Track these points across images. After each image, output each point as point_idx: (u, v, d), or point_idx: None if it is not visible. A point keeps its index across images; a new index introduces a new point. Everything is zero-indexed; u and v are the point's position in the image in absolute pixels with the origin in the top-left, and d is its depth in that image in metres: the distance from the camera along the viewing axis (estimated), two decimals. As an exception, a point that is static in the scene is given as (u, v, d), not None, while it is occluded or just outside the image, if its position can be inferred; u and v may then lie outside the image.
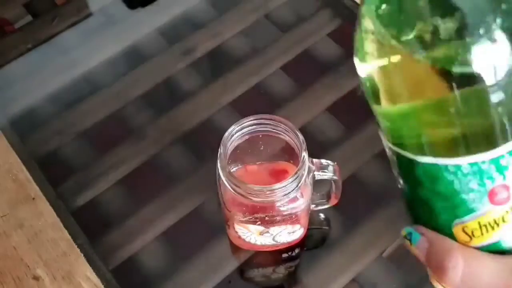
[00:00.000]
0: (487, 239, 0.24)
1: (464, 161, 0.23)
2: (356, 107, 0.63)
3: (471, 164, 0.23)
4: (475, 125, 0.22)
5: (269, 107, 0.62)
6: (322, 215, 0.54)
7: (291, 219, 0.45)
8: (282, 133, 0.45)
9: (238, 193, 0.42)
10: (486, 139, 0.22)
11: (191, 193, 0.57)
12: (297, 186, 0.42)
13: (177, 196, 0.57)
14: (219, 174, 0.43)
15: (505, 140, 0.22)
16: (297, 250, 0.53)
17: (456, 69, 0.21)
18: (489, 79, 0.21)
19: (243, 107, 0.62)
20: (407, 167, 0.25)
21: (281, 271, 0.54)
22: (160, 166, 0.59)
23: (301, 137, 0.43)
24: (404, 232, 0.27)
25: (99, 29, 0.71)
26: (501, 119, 0.22)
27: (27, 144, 0.61)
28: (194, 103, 0.63)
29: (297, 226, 0.48)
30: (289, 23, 0.70)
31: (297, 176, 0.41)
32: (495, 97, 0.21)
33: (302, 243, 0.53)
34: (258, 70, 0.65)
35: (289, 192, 0.42)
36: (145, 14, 0.72)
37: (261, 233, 0.47)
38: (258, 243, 0.50)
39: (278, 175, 0.47)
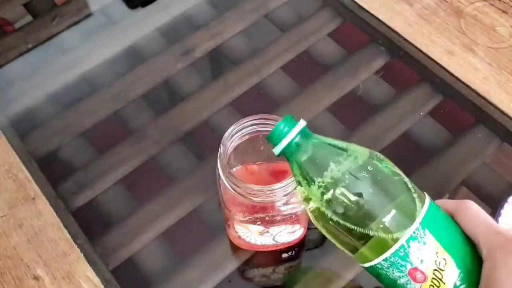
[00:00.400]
0: None
1: (380, 259, 0.34)
2: (356, 107, 0.63)
3: (384, 260, 0.33)
4: (378, 237, 0.33)
5: (269, 107, 0.62)
6: (322, 215, 0.54)
7: (291, 219, 0.45)
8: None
9: (238, 193, 0.42)
10: (386, 242, 0.33)
11: (191, 193, 0.57)
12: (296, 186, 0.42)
13: (177, 196, 0.57)
14: (219, 174, 0.43)
15: (395, 240, 0.33)
16: (297, 250, 0.53)
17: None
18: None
19: (243, 107, 0.62)
20: (366, 270, 0.36)
21: (281, 271, 0.54)
22: (160, 166, 0.59)
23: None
24: None
25: (99, 29, 0.71)
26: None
27: (27, 144, 0.61)
28: (194, 103, 0.63)
29: (297, 226, 0.48)
30: (289, 23, 0.70)
31: (297, 176, 0.41)
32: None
33: (302, 243, 0.53)
34: (258, 70, 0.65)
35: (289, 192, 0.42)
36: (145, 14, 0.72)
37: (261, 233, 0.47)
38: (258, 243, 0.50)
39: (278, 175, 0.47)
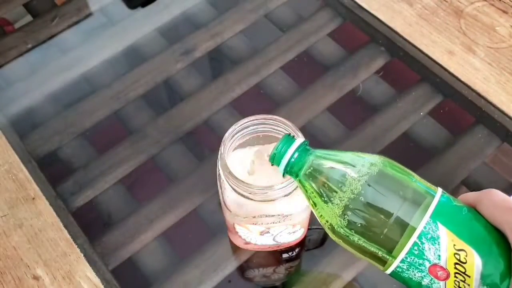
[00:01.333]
0: None
1: (398, 262, 0.33)
2: (356, 107, 0.63)
3: (402, 262, 0.33)
4: (391, 237, 0.33)
5: (269, 107, 0.62)
6: (322, 215, 0.54)
7: (291, 219, 0.45)
8: (283, 133, 0.44)
9: (238, 193, 0.42)
10: (399, 241, 0.33)
11: (191, 193, 0.57)
12: (297, 186, 0.42)
13: (177, 196, 0.57)
14: (219, 174, 0.43)
15: (408, 238, 0.32)
16: (297, 250, 0.53)
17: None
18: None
19: (243, 107, 0.62)
20: (391, 276, 0.35)
21: (281, 271, 0.54)
22: (160, 166, 0.59)
23: (301, 137, 0.43)
24: None
25: (99, 29, 0.71)
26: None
27: (27, 144, 0.61)
28: (194, 103, 0.63)
29: (298, 226, 0.48)
30: (289, 23, 0.70)
31: (297, 176, 0.41)
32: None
33: (302, 243, 0.53)
34: (258, 70, 0.65)
35: (290, 192, 0.42)
36: (145, 14, 0.72)
37: (262, 233, 0.47)
38: (259, 243, 0.50)
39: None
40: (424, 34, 0.65)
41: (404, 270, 0.33)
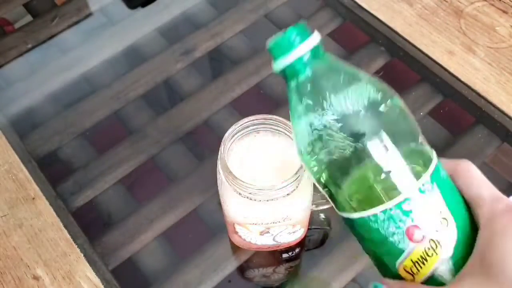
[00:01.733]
0: (424, 275, 0.30)
1: (377, 210, 0.29)
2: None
3: (383, 212, 0.29)
4: (382, 185, 0.29)
5: (269, 107, 0.62)
6: (322, 215, 0.54)
7: (291, 219, 0.45)
8: (282, 133, 0.44)
9: (238, 193, 0.42)
10: (388, 192, 0.29)
11: (191, 193, 0.57)
12: (297, 186, 0.42)
13: (177, 196, 0.57)
14: (219, 174, 0.43)
15: (401, 191, 0.29)
16: (297, 250, 0.53)
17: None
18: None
19: (243, 107, 0.62)
20: (351, 226, 0.32)
21: (281, 271, 0.54)
22: (160, 166, 0.59)
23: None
24: (371, 286, 0.32)
25: (99, 29, 0.71)
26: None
27: (27, 144, 0.61)
28: (194, 103, 0.63)
29: (298, 226, 0.48)
30: (289, 23, 0.69)
31: (298, 176, 0.41)
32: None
33: (302, 243, 0.53)
34: (258, 70, 0.65)
35: (290, 192, 0.42)
36: (145, 14, 0.72)
37: (262, 233, 0.47)
38: (259, 243, 0.50)
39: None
40: (424, 34, 0.65)
41: (377, 220, 0.30)
